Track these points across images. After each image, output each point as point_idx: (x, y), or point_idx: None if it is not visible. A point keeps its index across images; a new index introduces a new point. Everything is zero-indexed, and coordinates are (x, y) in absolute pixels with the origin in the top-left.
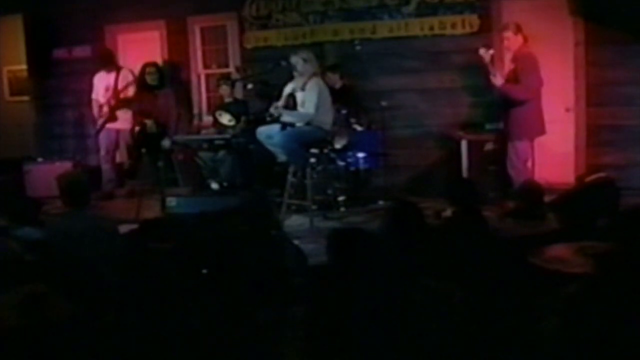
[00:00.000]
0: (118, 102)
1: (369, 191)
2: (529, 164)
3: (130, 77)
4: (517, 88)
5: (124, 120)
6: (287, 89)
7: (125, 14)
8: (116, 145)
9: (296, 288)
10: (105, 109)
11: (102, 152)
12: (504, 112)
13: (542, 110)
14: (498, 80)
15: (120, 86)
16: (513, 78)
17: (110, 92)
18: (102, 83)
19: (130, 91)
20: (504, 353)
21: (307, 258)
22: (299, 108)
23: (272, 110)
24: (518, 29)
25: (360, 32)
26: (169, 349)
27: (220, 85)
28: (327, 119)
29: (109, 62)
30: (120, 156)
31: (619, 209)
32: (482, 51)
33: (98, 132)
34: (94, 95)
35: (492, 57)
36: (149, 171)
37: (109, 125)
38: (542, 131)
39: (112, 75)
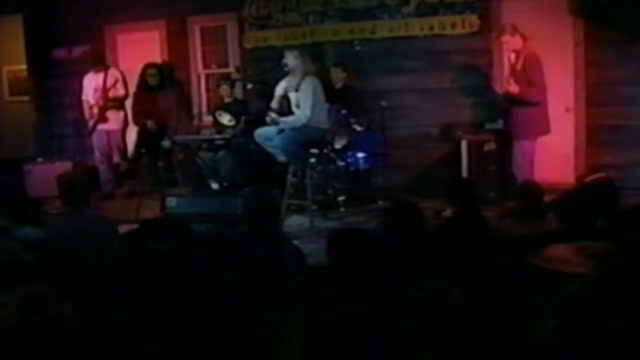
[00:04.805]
0: (107, 102)
1: (369, 191)
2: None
3: (118, 75)
4: (533, 91)
5: (114, 121)
6: (279, 89)
7: (125, 14)
8: (109, 147)
9: (296, 288)
10: (95, 110)
11: (97, 154)
12: (508, 112)
13: (547, 110)
14: (514, 88)
15: (108, 85)
16: (521, 79)
17: (99, 93)
18: (91, 84)
19: (120, 90)
20: (503, 353)
21: (307, 258)
22: (294, 108)
23: (267, 119)
24: (515, 30)
25: (360, 32)
26: (168, 349)
27: (220, 85)
28: (322, 118)
29: (98, 62)
30: (116, 157)
31: (619, 209)
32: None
33: (90, 134)
34: (83, 97)
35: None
36: (149, 171)
37: (99, 127)
38: (547, 130)
39: (101, 76)
